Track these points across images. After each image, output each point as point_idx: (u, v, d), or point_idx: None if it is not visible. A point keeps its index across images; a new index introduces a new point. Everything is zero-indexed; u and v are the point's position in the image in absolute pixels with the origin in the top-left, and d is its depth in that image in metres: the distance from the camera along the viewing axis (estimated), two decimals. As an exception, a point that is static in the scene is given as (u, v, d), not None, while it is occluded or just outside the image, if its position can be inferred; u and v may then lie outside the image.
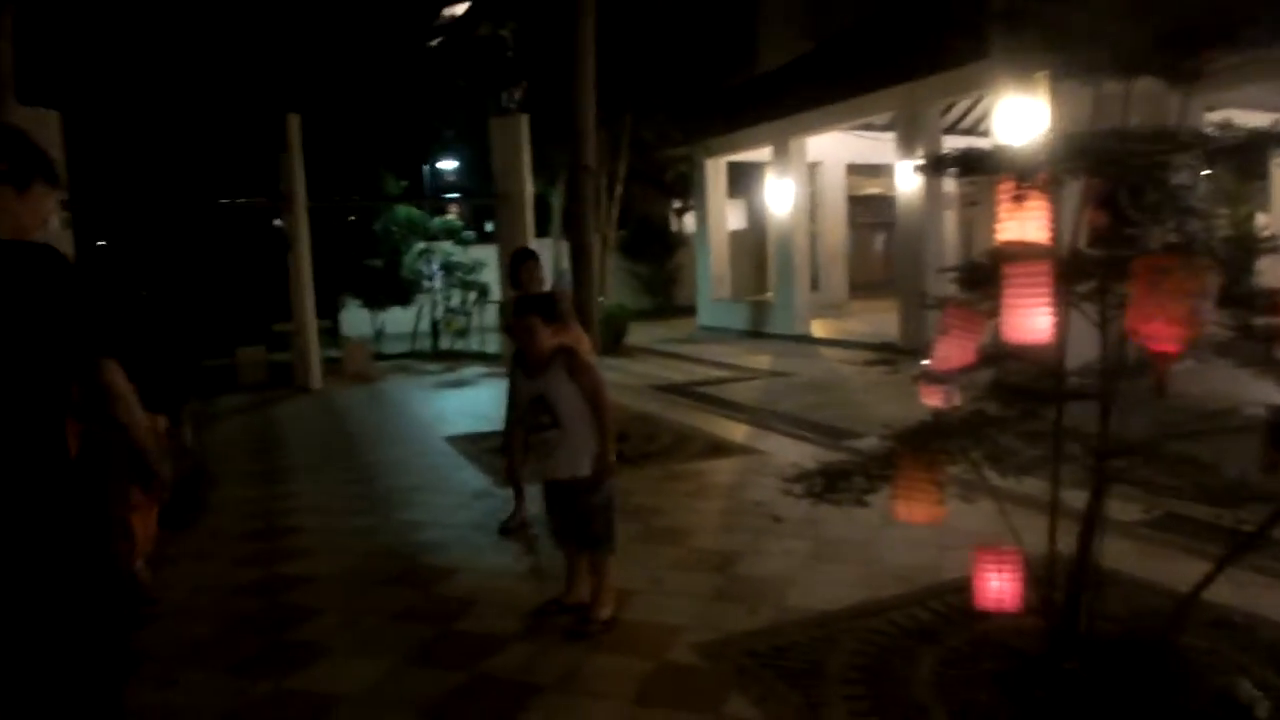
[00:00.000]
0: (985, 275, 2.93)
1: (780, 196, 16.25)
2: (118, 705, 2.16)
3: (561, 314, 4.50)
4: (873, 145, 16.90)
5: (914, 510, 2.90)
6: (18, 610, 1.98)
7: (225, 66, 16.32)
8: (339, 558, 5.17)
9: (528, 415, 4.03)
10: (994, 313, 2.83)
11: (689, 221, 23.82)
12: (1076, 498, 3.12)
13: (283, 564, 5.09)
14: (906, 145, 13.25)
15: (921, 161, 3.15)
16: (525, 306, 4.15)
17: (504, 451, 5.15)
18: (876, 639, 3.69)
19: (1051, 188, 2.67)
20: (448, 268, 16.23)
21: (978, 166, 2.85)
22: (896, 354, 3.42)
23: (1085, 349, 3.03)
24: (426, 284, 16.35)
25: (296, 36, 16.85)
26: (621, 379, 11.16)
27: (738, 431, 8.30)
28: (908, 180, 13.12)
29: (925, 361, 3.09)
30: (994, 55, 10.97)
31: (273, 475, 7.39)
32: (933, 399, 3.14)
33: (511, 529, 5.37)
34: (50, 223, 10.31)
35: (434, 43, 20.88)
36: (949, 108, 14.47)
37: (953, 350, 2.91)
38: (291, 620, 4.26)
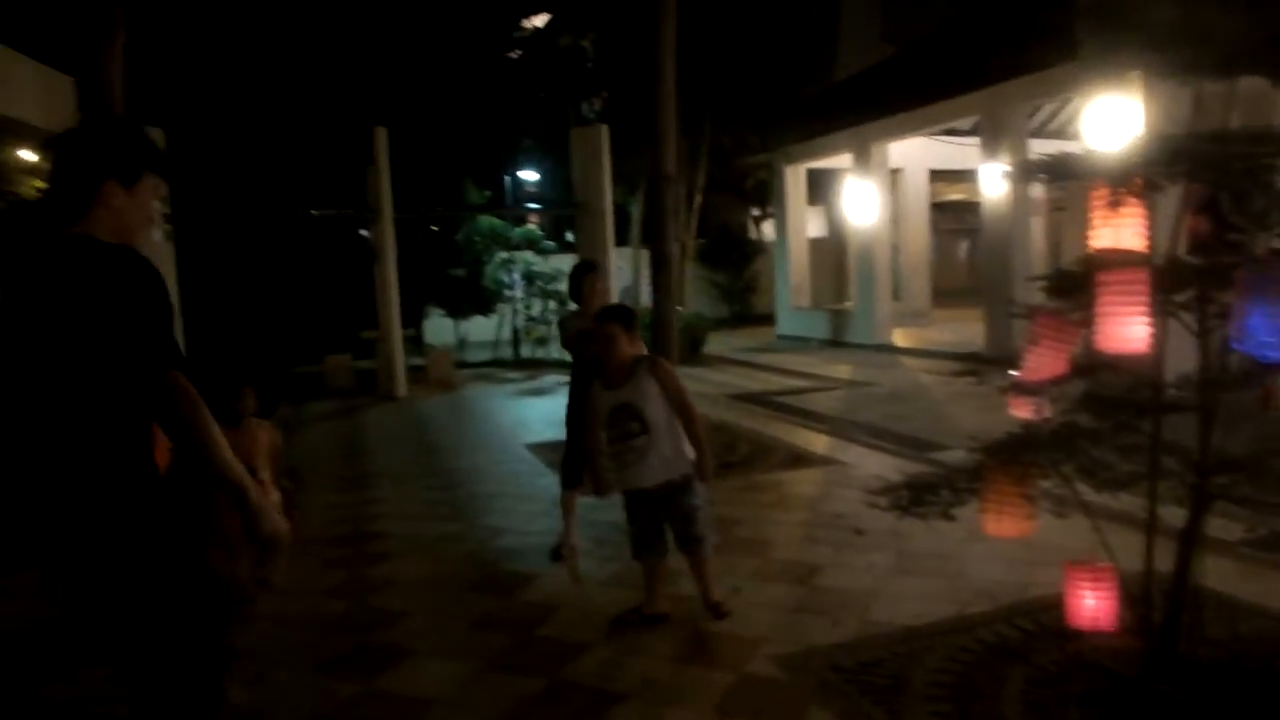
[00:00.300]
0: (1077, 283, 2.84)
1: (861, 203, 16.04)
2: (216, 696, 2.17)
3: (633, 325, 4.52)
4: (956, 150, 16.58)
5: (1003, 525, 2.82)
6: (106, 608, 2.02)
7: (316, 83, 16.84)
8: (423, 563, 5.28)
9: (611, 426, 4.04)
10: (1086, 322, 2.74)
11: (767, 229, 23.68)
12: (1174, 515, 3.00)
13: (368, 568, 5.21)
14: (991, 150, 12.96)
15: (1008, 167, 3.07)
16: (606, 315, 4.19)
17: (568, 466, 5.18)
18: (963, 656, 3.60)
19: (1148, 193, 2.58)
20: (528, 277, 16.47)
21: (1070, 173, 2.76)
22: (983, 364, 3.33)
23: (1184, 359, 2.92)
24: (508, 293, 16.62)
25: (383, 52, 17.29)
26: (700, 388, 11.14)
27: (818, 442, 8.21)
28: (993, 186, 12.83)
29: (1014, 372, 3.01)
30: (1083, 56, 10.65)
31: (358, 481, 7.58)
32: (1022, 410, 3.05)
33: (563, 554, 5.07)
34: (154, 233, 10.78)
35: (515, 55, 21.23)
36: (1035, 111, 14.10)
37: (1044, 360, 2.83)
38: (377, 623, 4.36)
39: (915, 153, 17.37)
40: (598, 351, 4.10)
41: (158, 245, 10.54)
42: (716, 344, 16.21)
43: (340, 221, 16.13)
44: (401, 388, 12.75)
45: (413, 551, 5.50)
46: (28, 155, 18.55)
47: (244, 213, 16.02)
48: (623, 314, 4.19)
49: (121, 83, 6.11)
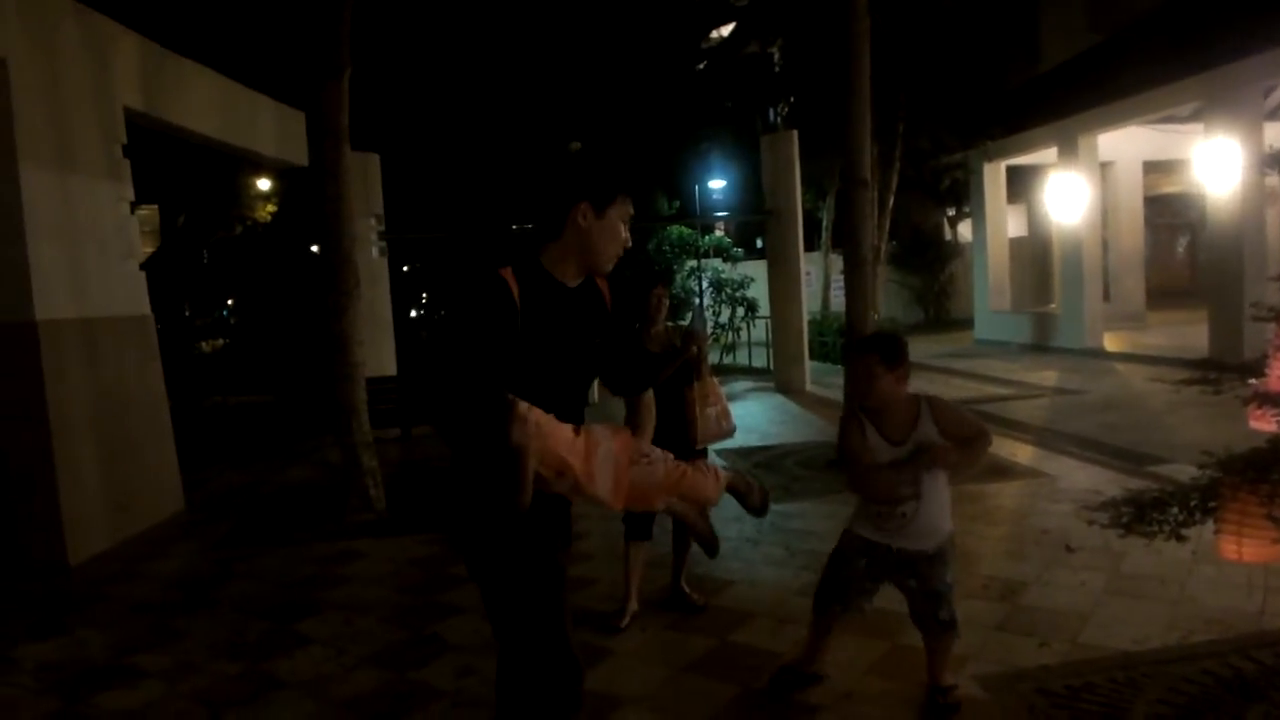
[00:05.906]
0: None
1: (1067, 200, 15.17)
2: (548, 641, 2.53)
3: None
4: (1174, 140, 15.39)
5: (1244, 549, 2.60)
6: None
7: (514, 103, 17.63)
8: (619, 565, 5.40)
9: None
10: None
11: (963, 230, 22.78)
12: None
13: (569, 568, 5.37)
14: (1218, 138, 11.91)
15: (1241, 156, 2.82)
16: (865, 345, 3.33)
17: (634, 515, 4.40)
18: (1187, 688, 3.33)
19: None
20: (717, 284, 16.57)
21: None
22: (1212, 370, 3.07)
23: None
24: (697, 301, 16.79)
25: (577, 71, 17.89)
26: (893, 395, 10.82)
27: (1022, 453, 7.81)
28: (1220, 177, 11.78)
29: (1254, 380, 2.77)
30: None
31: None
32: (1265, 423, 2.79)
33: (619, 624, 4.46)
34: (373, 251, 11.45)
35: (701, 65, 21.42)
36: (1270, 91, 12.85)
37: (1291, 369, 2.59)
38: (576, 622, 4.49)
39: (1127, 144, 16.28)
40: (854, 391, 3.18)
41: (373, 261, 11.34)
42: (911, 350, 15.64)
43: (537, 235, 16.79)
44: (593, 393, 13.12)
45: (609, 553, 5.62)
46: (264, 184, 20.40)
47: (448, 227, 16.98)
48: (884, 345, 3.24)
49: (346, 113, 6.61)
